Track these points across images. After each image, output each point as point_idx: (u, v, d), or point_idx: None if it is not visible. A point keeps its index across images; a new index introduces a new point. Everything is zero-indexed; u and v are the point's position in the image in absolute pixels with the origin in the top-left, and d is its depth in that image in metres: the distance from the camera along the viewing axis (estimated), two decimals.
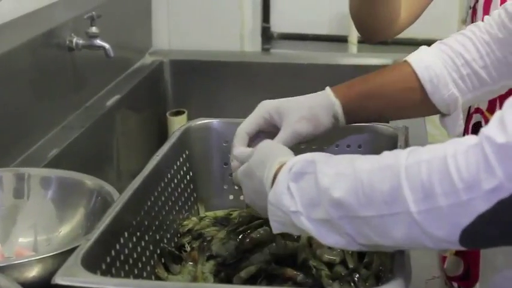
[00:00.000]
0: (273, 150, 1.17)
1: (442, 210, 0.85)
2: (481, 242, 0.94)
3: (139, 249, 1.28)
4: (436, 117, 1.51)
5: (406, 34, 1.97)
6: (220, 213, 1.51)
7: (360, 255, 1.29)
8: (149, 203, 1.35)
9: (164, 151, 1.44)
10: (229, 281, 1.29)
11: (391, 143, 1.52)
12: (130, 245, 1.24)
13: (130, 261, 1.24)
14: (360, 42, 2.75)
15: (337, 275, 1.27)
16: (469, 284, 1.69)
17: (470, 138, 0.86)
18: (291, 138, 1.31)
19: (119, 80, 2.35)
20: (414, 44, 2.18)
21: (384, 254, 1.19)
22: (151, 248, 1.33)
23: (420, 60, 1.34)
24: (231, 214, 1.49)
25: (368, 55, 2.52)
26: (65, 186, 1.47)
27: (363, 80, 1.38)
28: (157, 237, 1.35)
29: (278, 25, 2.81)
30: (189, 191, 1.54)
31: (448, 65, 1.33)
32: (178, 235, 1.45)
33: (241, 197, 1.49)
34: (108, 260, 1.16)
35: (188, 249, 1.40)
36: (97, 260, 1.12)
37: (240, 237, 1.38)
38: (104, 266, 1.13)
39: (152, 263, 1.32)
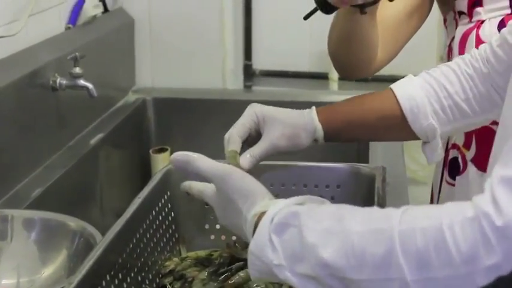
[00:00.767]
0: (250, 190, 1.13)
1: (439, 280, 0.86)
2: None
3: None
4: (416, 153, 1.53)
5: (386, 71, 1.97)
6: (201, 253, 1.51)
7: None
8: (131, 245, 1.36)
9: (146, 193, 1.45)
10: None
11: (369, 183, 1.56)
12: (112, 287, 1.25)
13: None
14: (340, 79, 2.74)
15: None
16: None
17: (466, 209, 0.85)
18: (269, 150, 1.32)
19: (102, 118, 2.34)
20: (394, 80, 2.19)
21: None
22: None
23: (404, 89, 1.37)
24: (212, 255, 1.49)
25: (349, 92, 2.49)
26: (48, 228, 1.46)
27: (348, 104, 1.42)
28: (139, 279, 1.36)
29: (260, 62, 2.81)
30: (170, 231, 1.55)
31: (430, 95, 1.35)
32: (160, 275, 1.47)
33: (223, 237, 1.54)
34: None
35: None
36: None
37: (220, 278, 1.39)
38: None
39: None
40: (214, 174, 1.12)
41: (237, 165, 1.28)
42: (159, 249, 1.48)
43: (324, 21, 2.62)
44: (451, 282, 0.86)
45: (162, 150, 2.27)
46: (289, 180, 1.55)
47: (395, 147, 1.95)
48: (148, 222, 1.46)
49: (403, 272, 0.88)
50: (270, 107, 1.37)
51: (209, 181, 1.14)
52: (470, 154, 1.58)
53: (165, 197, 1.53)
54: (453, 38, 1.65)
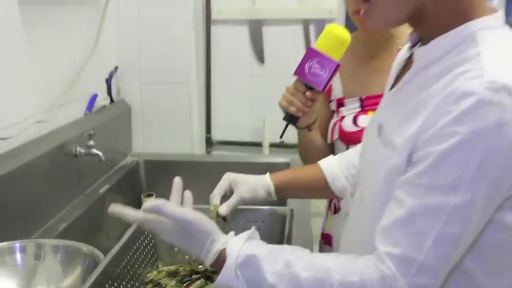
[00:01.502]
0: (209, 230, 1.07)
1: None
2: None
3: None
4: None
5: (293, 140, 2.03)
6: (172, 267, 1.51)
7: None
8: (123, 262, 1.37)
9: (134, 227, 1.45)
10: None
11: (282, 219, 1.58)
12: None
13: None
14: (270, 146, 2.72)
15: None
16: None
17: (383, 268, 0.90)
18: (238, 201, 1.34)
19: (109, 174, 2.31)
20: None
21: None
22: None
23: (326, 163, 1.41)
24: (179, 269, 1.50)
25: (275, 155, 2.55)
26: (68, 251, 1.44)
27: (291, 172, 1.48)
28: (129, 286, 1.36)
29: (216, 135, 2.81)
30: (151, 252, 1.54)
31: (343, 167, 1.39)
32: (144, 284, 1.45)
33: (186, 256, 1.52)
34: None
35: None
36: None
37: (184, 286, 1.41)
38: None
39: None
40: (181, 218, 1.05)
41: (217, 213, 1.30)
42: (143, 265, 1.47)
43: (259, 108, 2.69)
44: None
45: (149, 195, 2.22)
46: (240, 218, 1.55)
47: None
48: (136, 246, 1.45)
49: None
50: (238, 174, 1.39)
51: (174, 222, 1.06)
52: None
53: (147, 230, 1.50)
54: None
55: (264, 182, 1.38)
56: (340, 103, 1.71)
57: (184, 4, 2.59)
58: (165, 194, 1.24)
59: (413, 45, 1.09)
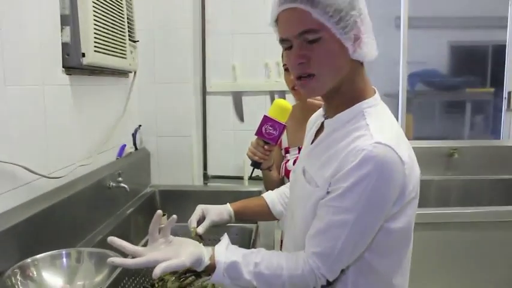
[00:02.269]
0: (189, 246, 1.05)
1: None
2: None
3: (132, 286, 1.29)
4: None
5: None
6: None
7: None
8: None
9: (146, 238, 1.35)
10: None
11: (249, 233, 1.58)
12: (127, 285, 1.25)
13: None
14: (248, 179, 2.66)
15: None
16: None
17: (310, 261, 0.99)
18: (210, 223, 1.31)
19: (133, 200, 2.27)
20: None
21: None
22: (137, 286, 1.33)
23: (268, 194, 1.41)
24: None
25: (251, 186, 2.50)
26: (100, 257, 1.38)
27: (245, 201, 1.42)
28: (141, 281, 1.34)
29: (211, 171, 2.78)
30: None
31: (279, 197, 1.39)
32: (151, 279, 1.40)
33: None
34: None
35: (156, 285, 1.38)
36: None
37: (181, 280, 1.38)
38: None
39: None
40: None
41: (196, 233, 1.27)
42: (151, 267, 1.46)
43: (240, 152, 2.68)
44: None
45: (163, 215, 2.18)
46: (218, 233, 1.39)
47: None
48: None
49: None
50: (207, 205, 1.36)
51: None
52: None
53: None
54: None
55: (226, 208, 1.36)
56: (287, 151, 1.76)
57: (187, 81, 2.59)
58: (174, 213, 1.24)
59: (325, 111, 1.14)
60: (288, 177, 1.60)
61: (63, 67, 1.67)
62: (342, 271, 1.02)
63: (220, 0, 2.67)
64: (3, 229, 1.27)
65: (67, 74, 1.71)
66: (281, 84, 2.65)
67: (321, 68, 0.98)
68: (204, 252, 1.03)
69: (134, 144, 2.48)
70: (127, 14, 2.07)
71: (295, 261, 1.01)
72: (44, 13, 1.57)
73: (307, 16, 0.93)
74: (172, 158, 2.64)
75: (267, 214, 1.39)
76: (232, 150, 2.78)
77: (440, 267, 2.32)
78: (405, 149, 0.97)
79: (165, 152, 2.64)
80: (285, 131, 1.56)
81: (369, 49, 0.99)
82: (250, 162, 1.58)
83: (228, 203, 1.39)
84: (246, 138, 1.69)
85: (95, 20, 1.70)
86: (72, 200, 1.65)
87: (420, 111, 3.75)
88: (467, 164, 2.96)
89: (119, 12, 1.98)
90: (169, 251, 1.01)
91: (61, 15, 1.63)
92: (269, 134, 1.51)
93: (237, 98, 2.75)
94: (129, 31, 2.09)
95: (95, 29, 1.70)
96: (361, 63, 1.03)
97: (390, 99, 3.40)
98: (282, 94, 2.70)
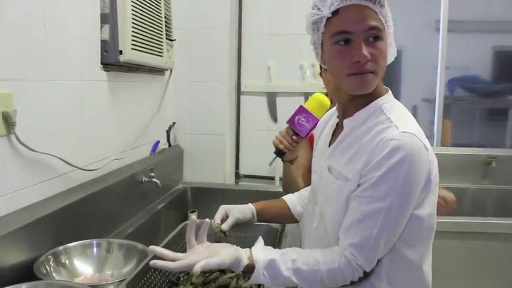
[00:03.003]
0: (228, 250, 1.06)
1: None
2: None
3: (157, 279, 1.30)
4: None
5: None
6: None
7: None
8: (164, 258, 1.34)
9: (174, 232, 1.48)
10: None
11: (275, 233, 1.57)
12: (153, 277, 1.25)
13: (152, 286, 1.25)
14: (280, 179, 2.61)
15: None
16: None
17: (346, 253, 1.01)
18: (234, 220, 1.30)
19: (165, 196, 2.28)
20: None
21: None
22: (163, 278, 1.34)
23: (288, 197, 1.42)
24: None
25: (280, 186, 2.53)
26: (128, 248, 1.44)
27: (266, 201, 1.42)
28: (167, 274, 1.35)
29: (242, 170, 2.78)
30: (185, 251, 1.43)
31: (299, 199, 1.40)
32: (178, 273, 1.41)
33: None
34: (140, 284, 1.19)
35: (182, 279, 1.39)
36: (136, 283, 1.16)
37: (206, 275, 1.38)
38: (138, 287, 1.16)
39: (163, 287, 1.32)
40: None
41: (221, 229, 1.28)
42: None
43: (273, 153, 2.67)
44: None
45: (193, 211, 2.20)
46: (250, 230, 1.50)
47: None
48: (174, 246, 1.44)
49: (326, 285, 1.02)
50: (230, 205, 1.35)
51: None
52: None
53: (184, 234, 1.38)
54: None
55: (249, 207, 1.37)
56: None
57: (222, 81, 2.62)
58: (204, 211, 1.27)
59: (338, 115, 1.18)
60: None
61: (101, 64, 1.73)
62: (376, 263, 1.03)
63: (257, 1, 2.69)
64: (39, 217, 1.33)
65: (105, 71, 1.77)
66: (316, 86, 2.66)
67: (379, 67, 1.02)
68: (242, 253, 1.04)
69: (168, 141, 2.51)
70: (165, 14, 2.12)
71: (331, 255, 1.03)
72: (85, 12, 1.64)
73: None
74: (205, 155, 2.67)
75: (287, 215, 1.40)
76: (265, 150, 2.72)
77: (473, 277, 2.27)
78: (425, 138, 1.02)
79: (198, 149, 2.67)
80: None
81: (391, 53, 1.06)
82: (274, 150, 1.56)
83: (249, 203, 1.39)
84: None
85: (133, 19, 1.76)
86: (105, 192, 1.69)
87: (459, 117, 3.67)
88: (505, 174, 2.88)
89: (157, 12, 2.03)
90: (209, 252, 1.04)
91: (101, 14, 1.70)
92: (301, 125, 1.49)
93: (271, 99, 2.76)
94: (166, 30, 2.14)
95: (132, 27, 1.75)
96: None
97: (428, 104, 3.34)
98: None
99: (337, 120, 1.18)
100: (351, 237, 1.00)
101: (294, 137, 1.51)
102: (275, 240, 1.57)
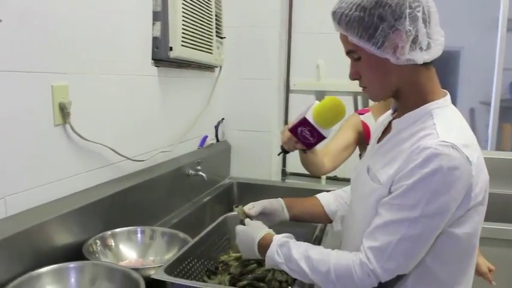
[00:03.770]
0: (257, 227, 1.20)
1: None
2: None
3: (195, 267, 1.33)
4: None
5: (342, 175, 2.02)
6: (238, 254, 1.45)
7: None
8: (204, 246, 1.40)
9: (215, 223, 1.50)
10: (234, 285, 1.32)
11: (313, 230, 1.58)
12: (191, 265, 1.29)
13: (190, 272, 1.29)
14: (326, 178, 2.68)
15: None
16: None
17: (362, 256, 1.00)
18: (261, 207, 1.34)
19: (211, 190, 2.32)
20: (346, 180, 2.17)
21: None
22: (201, 266, 1.37)
23: (322, 195, 1.42)
24: (241, 254, 1.37)
25: (328, 185, 2.48)
26: (171, 236, 1.48)
27: (297, 199, 1.41)
28: (206, 263, 1.39)
29: (289, 168, 2.80)
30: (226, 242, 1.54)
31: (334, 198, 1.40)
32: (217, 262, 1.45)
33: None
34: (178, 270, 1.23)
35: (220, 269, 1.42)
36: (174, 269, 1.20)
37: (242, 266, 1.40)
38: (175, 273, 1.20)
39: (201, 274, 1.36)
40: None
41: (244, 212, 1.31)
42: (218, 250, 1.49)
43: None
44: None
45: (238, 206, 2.25)
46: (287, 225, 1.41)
47: None
48: (214, 237, 1.47)
49: (331, 278, 1.01)
50: (270, 199, 1.37)
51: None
52: None
53: (225, 226, 1.53)
54: None
55: (277, 199, 1.38)
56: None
57: (271, 78, 2.65)
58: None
59: (393, 111, 1.15)
60: None
61: (152, 59, 1.81)
62: (402, 277, 1.01)
63: None
64: (89, 202, 1.41)
65: (156, 66, 1.84)
66: None
67: (368, 82, 1.05)
68: (267, 230, 1.15)
69: (216, 136, 2.57)
70: (215, 12, 2.19)
71: (346, 253, 1.03)
72: (139, 9, 1.72)
73: (346, 39, 1.02)
74: (252, 152, 2.70)
75: (320, 213, 1.39)
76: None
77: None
78: (475, 150, 0.96)
79: (246, 146, 2.70)
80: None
81: (420, 51, 0.99)
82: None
83: (280, 198, 1.39)
84: (327, 138, 1.65)
85: (183, 16, 1.83)
86: (152, 183, 1.76)
87: None
88: None
89: (207, 10, 2.09)
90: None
91: (153, 12, 1.78)
92: (304, 137, 1.28)
93: (320, 97, 2.74)
94: (216, 28, 2.21)
95: (183, 25, 1.83)
96: (426, 66, 1.03)
97: (486, 107, 3.22)
98: (366, 96, 2.67)
99: (390, 118, 1.16)
100: (371, 241, 0.99)
101: (298, 145, 1.33)
102: (312, 236, 1.57)
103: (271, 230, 1.19)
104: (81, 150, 1.45)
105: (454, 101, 1.10)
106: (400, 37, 0.96)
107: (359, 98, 2.70)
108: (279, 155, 1.46)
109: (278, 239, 1.10)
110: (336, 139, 1.73)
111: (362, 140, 1.79)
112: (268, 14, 2.59)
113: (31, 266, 1.16)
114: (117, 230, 1.48)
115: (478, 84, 3.39)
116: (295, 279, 1.25)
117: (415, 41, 0.97)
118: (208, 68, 2.36)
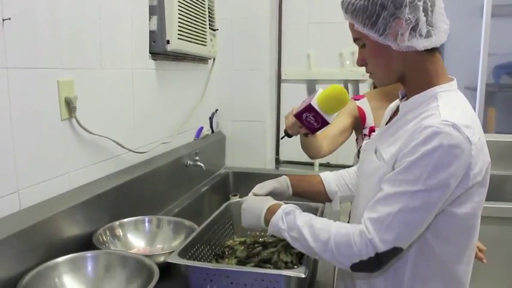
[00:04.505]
0: (268, 198, 1.23)
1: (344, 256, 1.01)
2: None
3: (204, 252, 1.34)
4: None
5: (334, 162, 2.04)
6: (242, 238, 1.50)
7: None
8: (211, 232, 1.40)
9: (219, 211, 1.50)
10: None
11: (316, 210, 1.53)
12: (200, 250, 1.31)
13: (200, 257, 1.30)
14: (319, 165, 2.76)
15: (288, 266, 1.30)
16: None
17: (361, 227, 1.00)
18: (270, 187, 1.36)
19: (208, 179, 2.36)
20: (341, 165, 2.26)
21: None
22: (210, 251, 1.38)
23: (324, 174, 1.44)
24: (247, 239, 1.49)
25: (321, 172, 2.55)
26: (177, 224, 1.51)
27: (301, 175, 1.45)
28: (213, 248, 1.40)
29: (283, 156, 2.85)
30: (230, 228, 1.55)
31: (335, 178, 1.43)
32: (223, 247, 1.45)
33: (252, 232, 1.51)
34: (189, 254, 1.24)
35: (226, 253, 1.43)
36: (185, 254, 1.21)
37: (249, 249, 1.41)
38: (187, 257, 1.20)
39: (209, 259, 1.37)
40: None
41: (253, 192, 1.33)
42: (223, 236, 1.49)
43: None
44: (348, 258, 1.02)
45: (235, 195, 2.22)
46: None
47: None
48: (218, 224, 1.48)
49: (331, 247, 1.02)
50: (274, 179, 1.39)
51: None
52: None
53: (228, 213, 1.53)
54: (361, 146, 1.61)
55: (283, 177, 1.41)
56: (372, 130, 1.76)
57: (262, 69, 2.68)
58: (245, 194, 1.30)
59: (402, 97, 1.20)
60: None
61: (149, 53, 1.84)
62: (402, 252, 1.01)
63: None
64: (94, 195, 1.44)
65: (153, 59, 1.87)
66: (355, 73, 2.70)
67: (373, 68, 1.10)
68: (280, 202, 1.17)
69: (211, 127, 2.60)
70: (208, 5, 2.21)
71: (347, 224, 1.06)
72: (136, 4, 1.74)
73: (353, 26, 1.07)
74: (246, 142, 2.73)
75: (320, 192, 1.41)
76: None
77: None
78: (476, 132, 0.99)
79: (240, 135, 2.74)
80: (371, 110, 1.49)
81: (419, 38, 1.02)
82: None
83: (284, 176, 1.41)
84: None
85: (179, 10, 1.86)
86: (153, 173, 1.79)
87: (505, 105, 3.59)
88: None
89: (201, 3, 2.12)
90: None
91: (149, 6, 1.81)
92: (309, 123, 1.36)
93: (311, 86, 2.82)
94: (209, 20, 2.24)
95: (179, 18, 1.86)
96: (430, 52, 1.07)
97: (471, 92, 3.30)
98: (356, 83, 2.73)
99: (399, 102, 1.18)
100: (371, 212, 1.01)
101: (301, 129, 1.41)
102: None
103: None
104: (87, 144, 1.48)
105: None
106: (400, 25, 1.01)
107: (349, 85, 2.76)
108: (281, 138, 1.51)
109: (285, 207, 1.13)
110: (333, 124, 1.77)
111: (358, 124, 1.84)
112: (258, 5, 2.62)
113: (45, 257, 1.19)
114: (125, 220, 1.51)
115: (463, 70, 3.45)
116: (300, 260, 1.30)
117: (415, 28, 1.02)
118: (202, 60, 2.39)
